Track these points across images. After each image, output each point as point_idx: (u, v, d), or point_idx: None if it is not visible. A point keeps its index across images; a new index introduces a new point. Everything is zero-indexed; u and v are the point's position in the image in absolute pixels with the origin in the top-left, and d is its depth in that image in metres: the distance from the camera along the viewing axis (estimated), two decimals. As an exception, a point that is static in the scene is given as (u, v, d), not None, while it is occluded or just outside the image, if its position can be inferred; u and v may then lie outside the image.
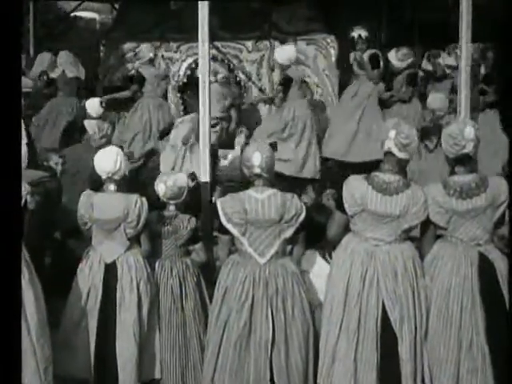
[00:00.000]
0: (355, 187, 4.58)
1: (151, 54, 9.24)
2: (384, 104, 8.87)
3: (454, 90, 8.47)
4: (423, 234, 4.70)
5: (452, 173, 4.63)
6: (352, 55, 8.88)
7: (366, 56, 8.75)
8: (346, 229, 4.69)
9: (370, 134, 8.46)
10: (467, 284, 4.51)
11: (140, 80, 9.28)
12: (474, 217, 4.53)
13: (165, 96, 9.70)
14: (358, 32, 8.83)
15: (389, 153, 4.57)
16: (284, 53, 8.54)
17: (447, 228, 4.57)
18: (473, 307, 4.48)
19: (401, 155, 4.56)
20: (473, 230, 4.54)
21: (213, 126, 8.24)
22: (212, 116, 8.05)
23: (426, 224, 4.63)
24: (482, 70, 9.29)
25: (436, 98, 8.12)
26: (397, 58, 8.94)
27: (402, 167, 4.63)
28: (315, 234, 4.89)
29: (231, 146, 8.86)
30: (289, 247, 4.79)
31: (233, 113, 9.11)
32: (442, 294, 4.54)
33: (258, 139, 8.07)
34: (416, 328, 4.51)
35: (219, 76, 9.17)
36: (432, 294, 4.56)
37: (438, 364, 4.51)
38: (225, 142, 8.88)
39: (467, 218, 4.53)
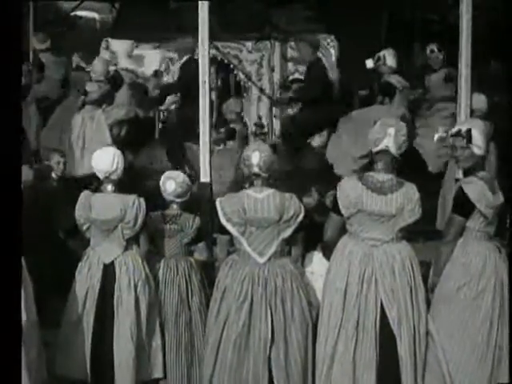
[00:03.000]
0: (349, 188, 4.58)
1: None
2: None
3: None
4: (448, 230, 4.66)
5: (480, 169, 4.64)
6: None
7: None
8: (343, 230, 4.69)
9: None
10: (504, 278, 4.56)
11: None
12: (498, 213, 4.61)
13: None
14: None
15: (384, 151, 4.58)
16: None
17: (491, 222, 4.58)
18: (504, 300, 4.53)
19: (397, 153, 4.58)
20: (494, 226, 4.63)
21: None
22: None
23: (452, 219, 4.62)
24: None
25: (477, 99, 7.89)
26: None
27: (394, 166, 4.62)
28: (319, 235, 4.89)
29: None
30: (287, 247, 4.79)
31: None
32: (487, 292, 4.52)
33: None
34: (415, 327, 4.51)
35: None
36: (465, 293, 4.54)
37: (467, 356, 4.50)
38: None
39: (497, 214, 4.61)
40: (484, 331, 4.49)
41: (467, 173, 4.65)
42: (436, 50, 8.37)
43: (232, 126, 8.26)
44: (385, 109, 8.01)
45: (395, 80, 8.21)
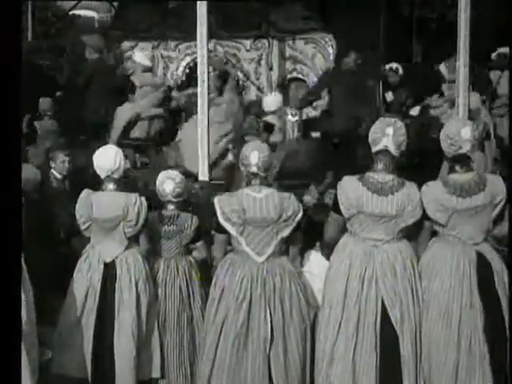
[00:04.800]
0: (350, 189, 4.56)
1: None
2: None
3: None
4: (419, 233, 4.67)
5: (451, 171, 4.62)
6: None
7: None
8: (344, 230, 4.68)
9: None
10: (466, 283, 4.49)
11: None
12: (473, 215, 4.51)
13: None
14: None
15: (384, 151, 4.56)
16: None
17: (446, 226, 4.54)
18: (472, 306, 4.47)
19: (397, 153, 4.56)
20: (471, 229, 4.53)
21: None
22: None
23: (422, 223, 4.62)
24: None
25: (471, 98, 7.69)
26: None
27: (394, 166, 4.60)
28: (317, 234, 4.89)
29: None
30: (284, 246, 4.79)
31: None
32: (441, 294, 4.51)
33: None
34: (416, 326, 4.51)
35: None
36: (431, 294, 4.54)
37: (437, 364, 4.49)
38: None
39: (466, 217, 4.51)
40: (454, 334, 4.47)
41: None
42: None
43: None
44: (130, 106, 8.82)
45: (141, 78, 9.00)
